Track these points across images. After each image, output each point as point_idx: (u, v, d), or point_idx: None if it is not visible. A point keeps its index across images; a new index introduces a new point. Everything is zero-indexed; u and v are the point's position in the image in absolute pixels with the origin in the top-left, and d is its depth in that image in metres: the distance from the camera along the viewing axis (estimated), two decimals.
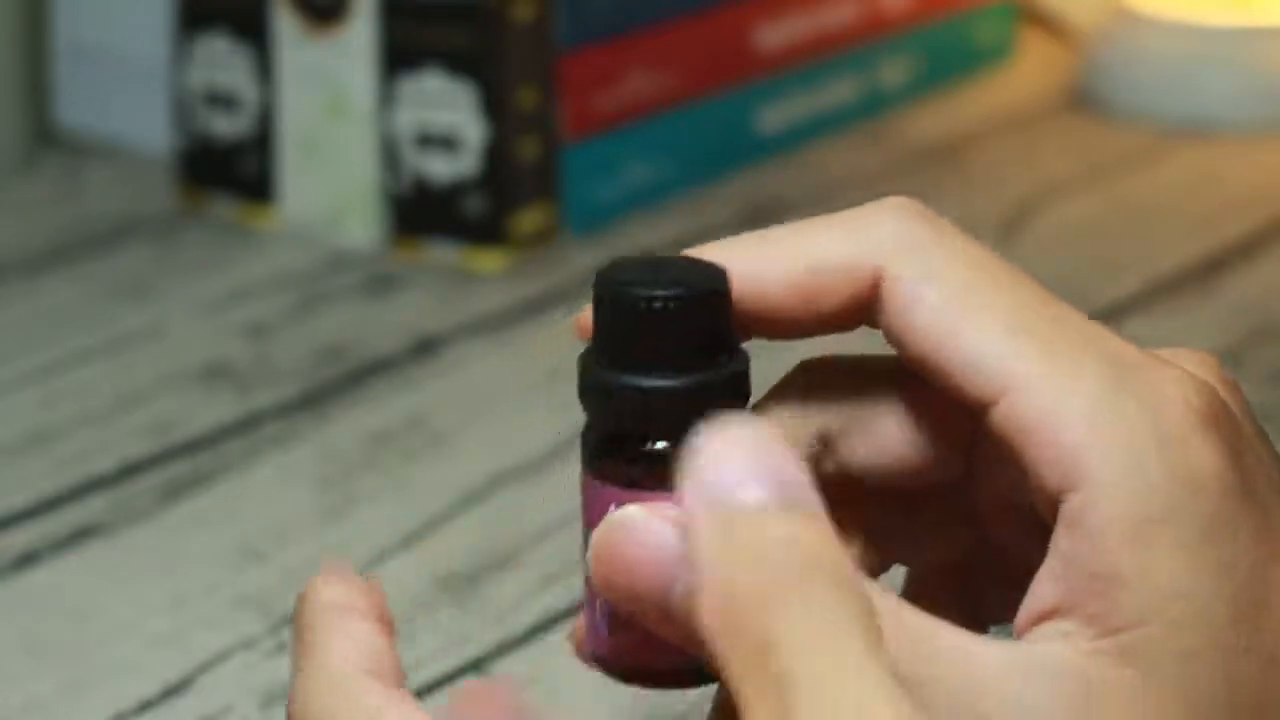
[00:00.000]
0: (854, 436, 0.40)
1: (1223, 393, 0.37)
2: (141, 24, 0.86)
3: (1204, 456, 0.36)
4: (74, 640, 0.55)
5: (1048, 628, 0.36)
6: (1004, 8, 1.01)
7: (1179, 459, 0.36)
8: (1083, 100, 0.96)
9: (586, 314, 0.38)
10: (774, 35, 0.88)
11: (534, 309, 0.76)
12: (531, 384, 0.70)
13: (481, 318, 0.76)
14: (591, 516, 0.37)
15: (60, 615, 0.57)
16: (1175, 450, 0.36)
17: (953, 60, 0.98)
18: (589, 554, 0.36)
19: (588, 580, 0.37)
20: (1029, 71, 1.01)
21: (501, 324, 0.75)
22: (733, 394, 0.38)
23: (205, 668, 0.53)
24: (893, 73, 0.94)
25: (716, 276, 0.38)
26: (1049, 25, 1.04)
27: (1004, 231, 0.83)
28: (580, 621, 0.40)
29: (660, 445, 0.37)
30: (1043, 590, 0.36)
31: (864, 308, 0.38)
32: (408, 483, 0.64)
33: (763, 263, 0.39)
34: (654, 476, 0.37)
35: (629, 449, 0.38)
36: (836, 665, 0.30)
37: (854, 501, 0.40)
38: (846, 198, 0.77)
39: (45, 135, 0.93)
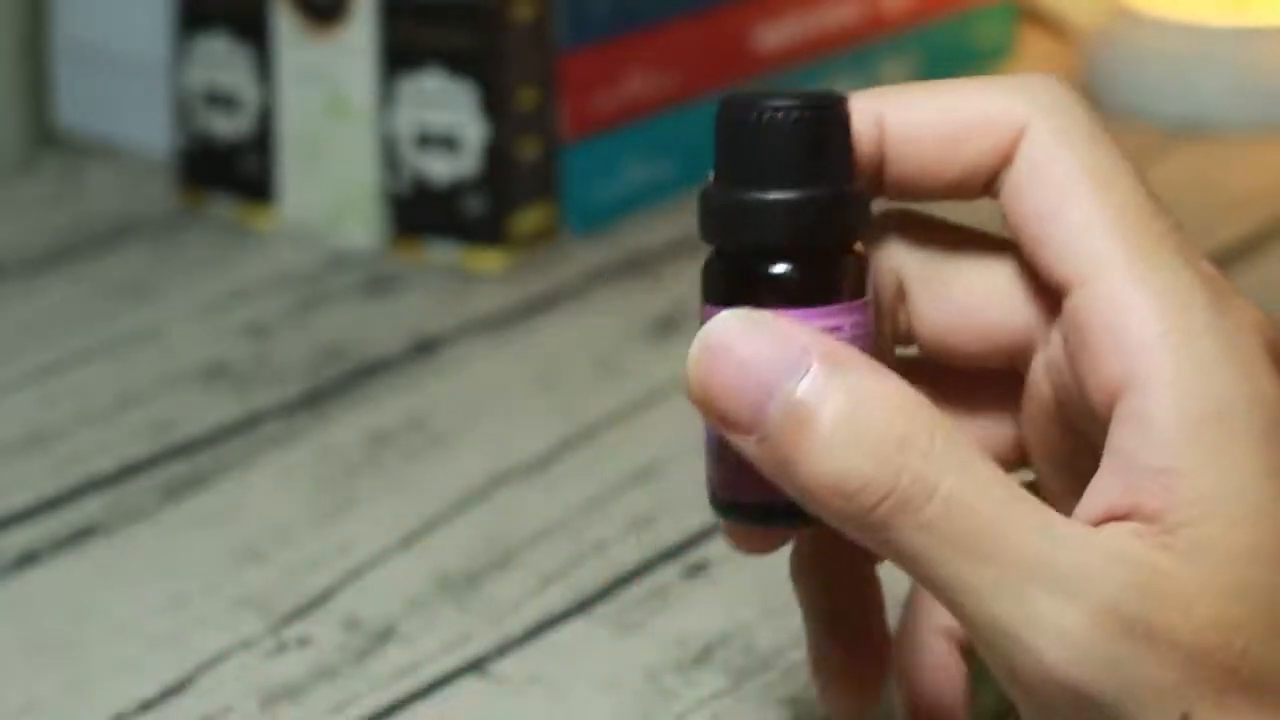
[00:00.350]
0: (933, 290, 0.41)
1: None
2: (141, 24, 0.86)
3: (1267, 376, 0.37)
4: (74, 640, 0.55)
5: (1111, 529, 0.37)
6: (1004, 7, 1.01)
7: (1244, 372, 0.37)
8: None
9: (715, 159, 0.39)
10: (773, 35, 0.89)
11: (534, 309, 0.76)
12: (531, 384, 0.71)
13: (482, 318, 0.76)
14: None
15: (60, 615, 0.57)
16: (1241, 365, 0.37)
17: (953, 60, 0.98)
18: (688, 374, 0.37)
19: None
20: (1028, 71, 1.03)
21: (502, 324, 0.75)
22: (853, 219, 0.39)
23: (205, 668, 0.53)
24: (893, 73, 0.94)
25: (836, 99, 0.38)
26: (1049, 25, 1.05)
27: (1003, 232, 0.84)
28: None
29: (776, 270, 0.38)
30: (1104, 486, 0.37)
31: (998, 167, 0.39)
32: (408, 483, 0.64)
33: (911, 105, 0.40)
34: (766, 301, 0.37)
35: (743, 271, 0.38)
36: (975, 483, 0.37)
37: (917, 373, 0.41)
38: None
39: (45, 135, 0.93)
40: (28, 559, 0.59)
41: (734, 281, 0.38)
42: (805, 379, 0.36)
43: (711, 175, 0.38)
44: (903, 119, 0.39)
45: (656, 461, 0.65)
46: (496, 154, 0.78)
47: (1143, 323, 0.37)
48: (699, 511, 0.56)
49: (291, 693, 0.52)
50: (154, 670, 0.53)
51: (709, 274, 0.39)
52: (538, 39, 0.79)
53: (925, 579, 0.37)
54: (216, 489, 0.64)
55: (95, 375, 0.71)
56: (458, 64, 0.77)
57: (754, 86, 0.87)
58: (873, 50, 0.93)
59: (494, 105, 0.77)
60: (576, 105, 0.81)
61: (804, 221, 0.38)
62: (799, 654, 0.52)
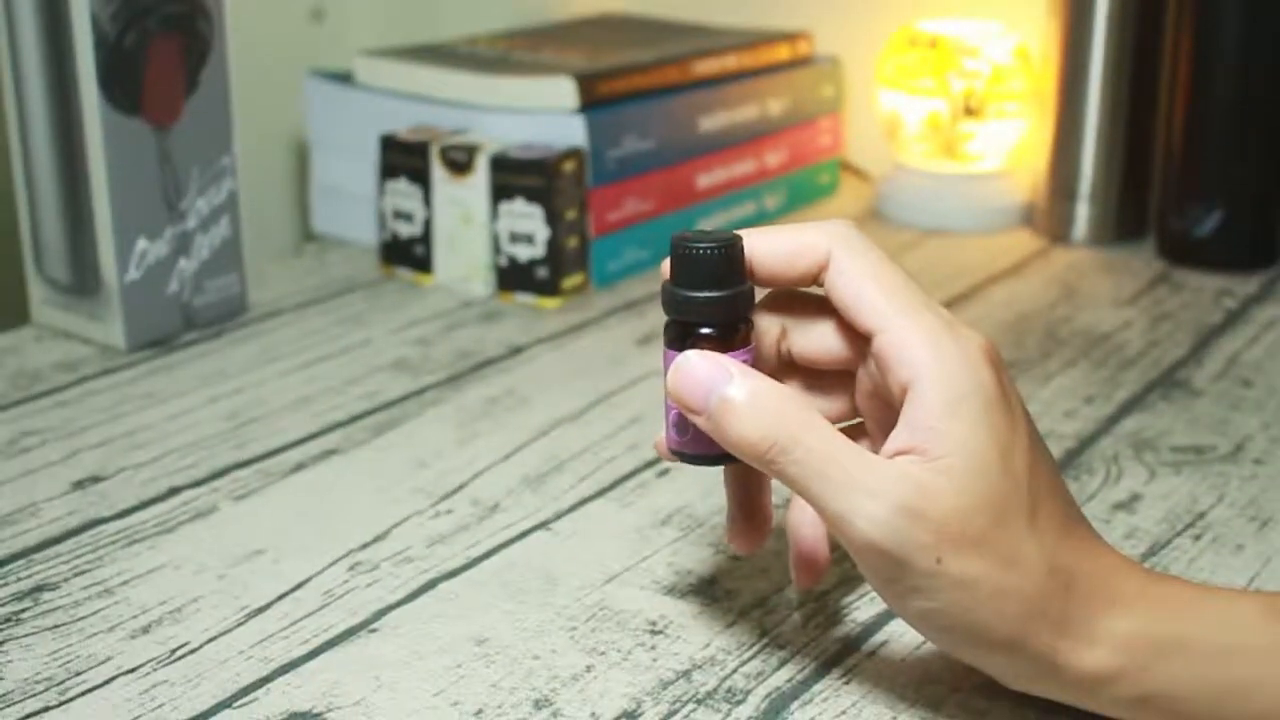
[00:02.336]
0: (799, 332, 0.45)
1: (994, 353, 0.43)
2: (360, 173, 0.87)
3: (986, 373, 0.41)
4: (322, 513, 0.57)
5: (900, 459, 0.41)
6: (833, 162, 1.01)
7: (972, 372, 0.41)
8: (876, 215, 0.97)
9: (665, 264, 0.44)
10: (707, 179, 0.90)
11: (574, 330, 0.77)
12: (573, 372, 0.71)
13: (546, 335, 0.76)
14: (667, 369, 0.43)
15: (317, 499, 0.59)
16: (971, 367, 0.41)
17: (804, 193, 0.99)
18: (667, 383, 0.43)
19: (667, 403, 0.44)
20: (846, 199, 1.01)
21: (557, 338, 0.76)
22: (745, 304, 0.44)
23: (395, 526, 0.56)
24: (771, 200, 0.96)
25: (735, 239, 0.43)
26: (858, 173, 1.05)
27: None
28: (661, 436, 0.45)
29: (705, 330, 0.43)
30: (897, 436, 0.41)
31: (818, 273, 0.43)
32: (505, 426, 0.65)
33: (770, 240, 0.44)
34: (702, 347, 0.43)
35: (688, 331, 0.43)
36: (813, 433, 0.41)
37: (796, 373, 0.47)
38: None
39: (306, 234, 0.96)
40: (298, 468, 0.61)
41: (683, 336, 0.43)
42: (729, 384, 0.42)
43: (667, 276, 0.44)
44: (762, 249, 0.44)
45: (641, 414, 0.66)
46: (554, 245, 0.79)
47: (914, 350, 0.41)
48: None
49: (443, 539, 0.55)
50: (366, 528, 0.56)
51: (668, 332, 0.44)
52: (577, 182, 0.80)
53: (798, 491, 0.41)
54: (402, 429, 0.65)
55: (335, 366, 0.72)
56: (532, 196, 0.78)
57: (693, 224, 0.88)
58: (761, 187, 0.95)
59: (552, 218, 0.79)
60: (598, 218, 0.82)
61: (719, 308, 0.43)
62: (720, 518, 0.56)
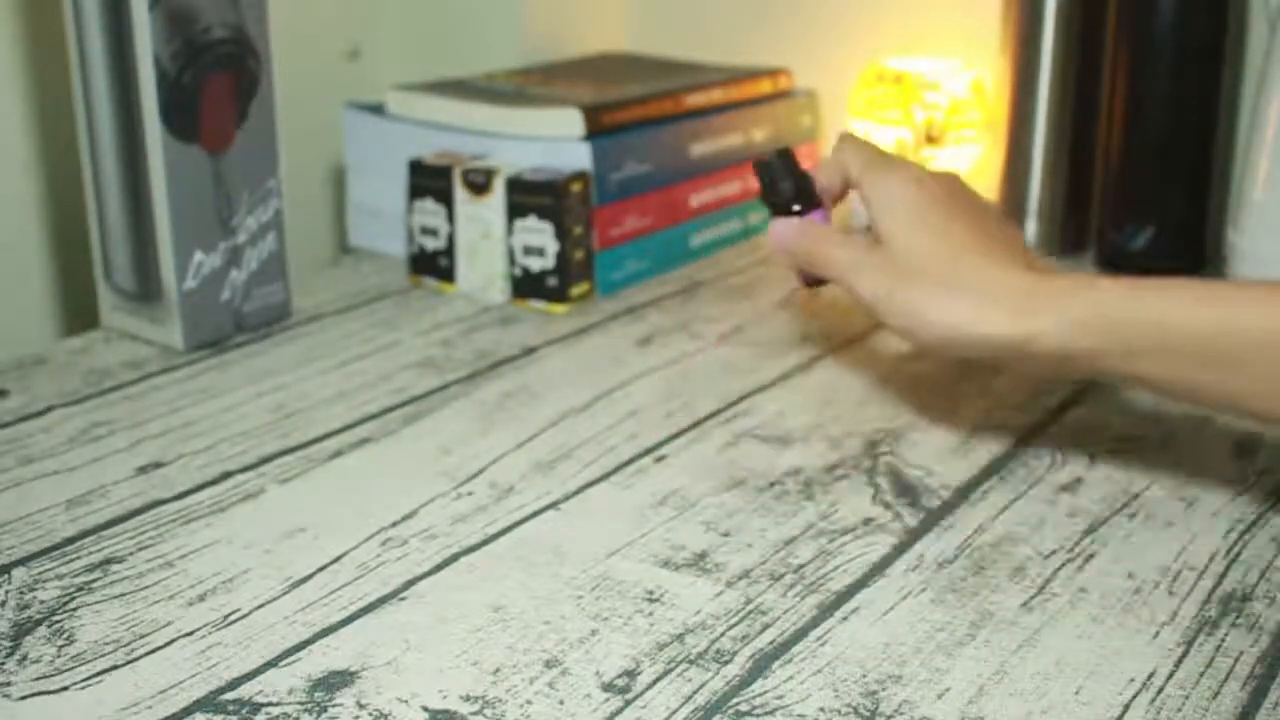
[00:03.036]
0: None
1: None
2: (391, 194, 0.87)
3: (911, 192, 0.54)
4: (357, 494, 0.57)
5: (866, 248, 0.55)
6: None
7: (903, 193, 0.54)
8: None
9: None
10: (698, 199, 0.90)
11: (581, 333, 0.77)
12: (580, 370, 0.71)
13: (556, 337, 0.76)
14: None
15: (352, 482, 0.59)
16: (904, 192, 0.54)
17: None
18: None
19: None
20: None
21: (565, 340, 0.76)
22: (809, 194, 0.59)
23: (421, 506, 0.56)
24: (756, 217, 0.95)
25: (786, 148, 0.60)
26: None
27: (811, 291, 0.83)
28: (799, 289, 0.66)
29: (795, 207, 0.59)
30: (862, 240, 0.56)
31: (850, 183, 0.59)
32: (519, 418, 0.65)
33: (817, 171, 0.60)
34: (794, 215, 0.59)
35: (782, 210, 0.60)
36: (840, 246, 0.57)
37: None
38: (735, 280, 0.89)
39: (344, 248, 0.95)
40: (336, 454, 0.61)
41: (778, 211, 0.59)
42: (789, 228, 0.59)
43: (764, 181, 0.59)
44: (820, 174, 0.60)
45: (640, 408, 0.66)
46: (562, 257, 0.79)
47: (875, 197, 0.56)
48: (661, 431, 0.64)
49: (464, 518, 0.55)
50: (395, 509, 0.56)
51: (772, 208, 0.60)
52: (583, 201, 0.80)
53: (832, 277, 0.56)
54: (428, 420, 0.65)
55: (369, 365, 0.71)
56: (544, 214, 0.79)
57: (687, 238, 0.89)
58: (746, 206, 0.94)
59: (561, 234, 0.79)
60: (601, 234, 0.82)
61: (797, 189, 0.59)
62: (713, 499, 0.57)
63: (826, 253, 0.56)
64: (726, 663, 0.46)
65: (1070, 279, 0.50)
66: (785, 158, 0.59)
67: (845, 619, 0.48)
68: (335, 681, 0.44)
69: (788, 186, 0.59)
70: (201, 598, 0.50)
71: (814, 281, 0.60)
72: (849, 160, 0.58)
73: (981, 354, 0.51)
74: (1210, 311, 0.45)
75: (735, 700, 0.44)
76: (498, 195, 0.80)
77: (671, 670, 0.45)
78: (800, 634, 0.47)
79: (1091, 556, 0.53)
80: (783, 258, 0.59)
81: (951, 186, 0.55)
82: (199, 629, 0.47)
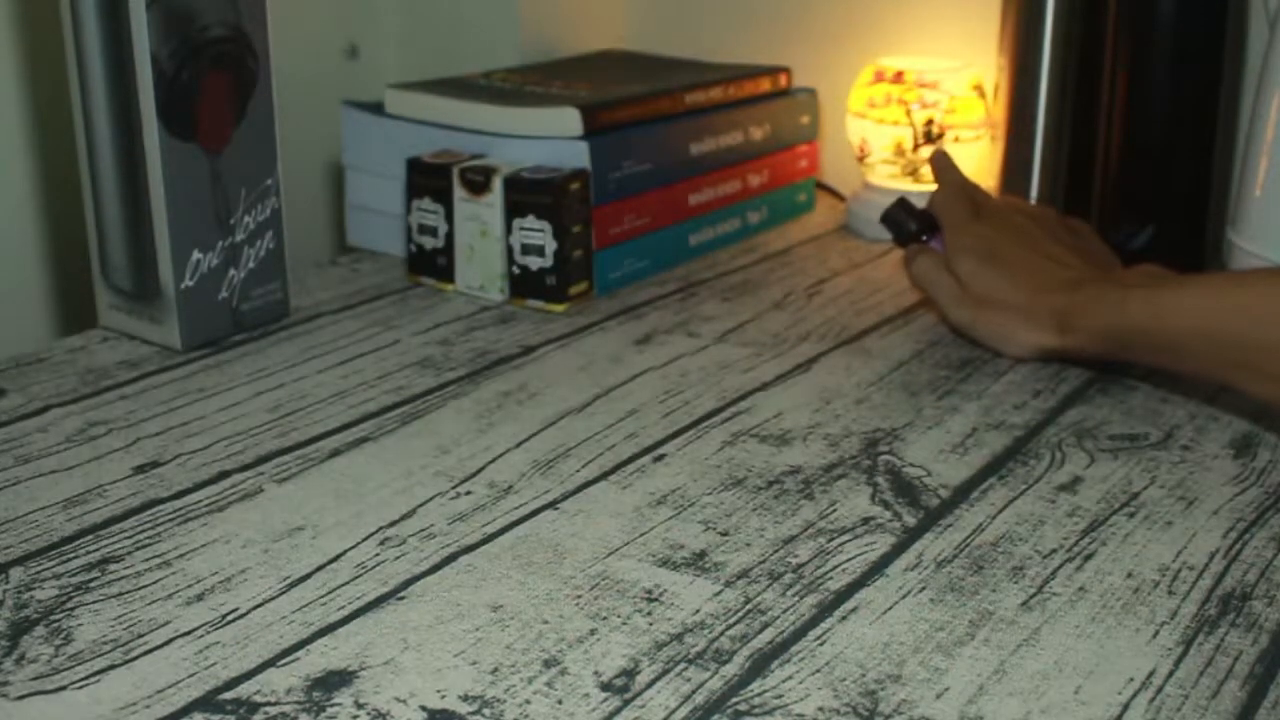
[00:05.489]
0: None
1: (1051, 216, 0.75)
2: (389, 192, 0.87)
3: (975, 231, 0.71)
4: (355, 493, 0.57)
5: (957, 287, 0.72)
6: (809, 182, 1.01)
7: (991, 236, 0.70)
8: (846, 230, 0.97)
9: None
10: (698, 197, 0.90)
11: (580, 332, 0.77)
12: (578, 369, 0.71)
13: (555, 336, 0.76)
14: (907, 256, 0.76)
15: (351, 481, 0.58)
16: (970, 238, 0.71)
17: (784, 209, 0.99)
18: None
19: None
20: (821, 215, 1.01)
21: (564, 339, 0.76)
22: (931, 224, 0.76)
23: (419, 506, 0.56)
24: (754, 216, 0.96)
25: (908, 200, 0.78)
26: (831, 192, 1.05)
27: (808, 293, 0.84)
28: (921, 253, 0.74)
29: (924, 237, 0.76)
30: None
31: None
32: (518, 417, 0.65)
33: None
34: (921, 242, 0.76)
35: (910, 241, 0.77)
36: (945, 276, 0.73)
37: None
38: (734, 279, 0.82)
39: (342, 247, 0.96)
40: (334, 454, 0.61)
41: (906, 241, 0.77)
42: (920, 257, 0.74)
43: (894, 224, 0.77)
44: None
45: (639, 407, 0.66)
46: (561, 256, 0.79)
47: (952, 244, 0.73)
48: (660, 431, 0.64)
49: (463, 517, 0.55)
50: (394, 508, 0.56)
51: (903, 243, 0.77)
52: (582, 199, 0.80)
53: (937, 302, 0.72)
54: (426, 418, 0.65)
55: (367, 364, 0.72)
56: (542, 212, 0.79)
57: (685, 237, 0.89)
58: (744, 205, 0.95)
59: (559, 233, 0.79)
60: (600, 233, 0.82)
61: (920, 225, 0.76)
62: (712, 499, 0.57)
63: (936, 280, 0.72)
64: (725, 662, 0.45)
65: (1097, 292, 0.63)
66: (904, 203, 0.77)
67: (844, 618, 0.48)
68: (333, 681, 0.44)
69: (913, 226, 0.77)
70: (199, 597, 0.49)
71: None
72: (939, 212, 0.73)
73: (1048, 358, 0.69)
74: (1215, 303, 0.56)
75: (734, 700, 0.43)
76: (496, 194, 0.80)
77: (670, 670, 0.45)
78: (799, 633, 0.47)
79: (1091, 556, 0.53)
80: (912, 280, 0.75)
81: (1021, 224, 0.70)
82: (197, 628, 0.47)
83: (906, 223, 0.76)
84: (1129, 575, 0.51)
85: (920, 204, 0.77)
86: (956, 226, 0.71)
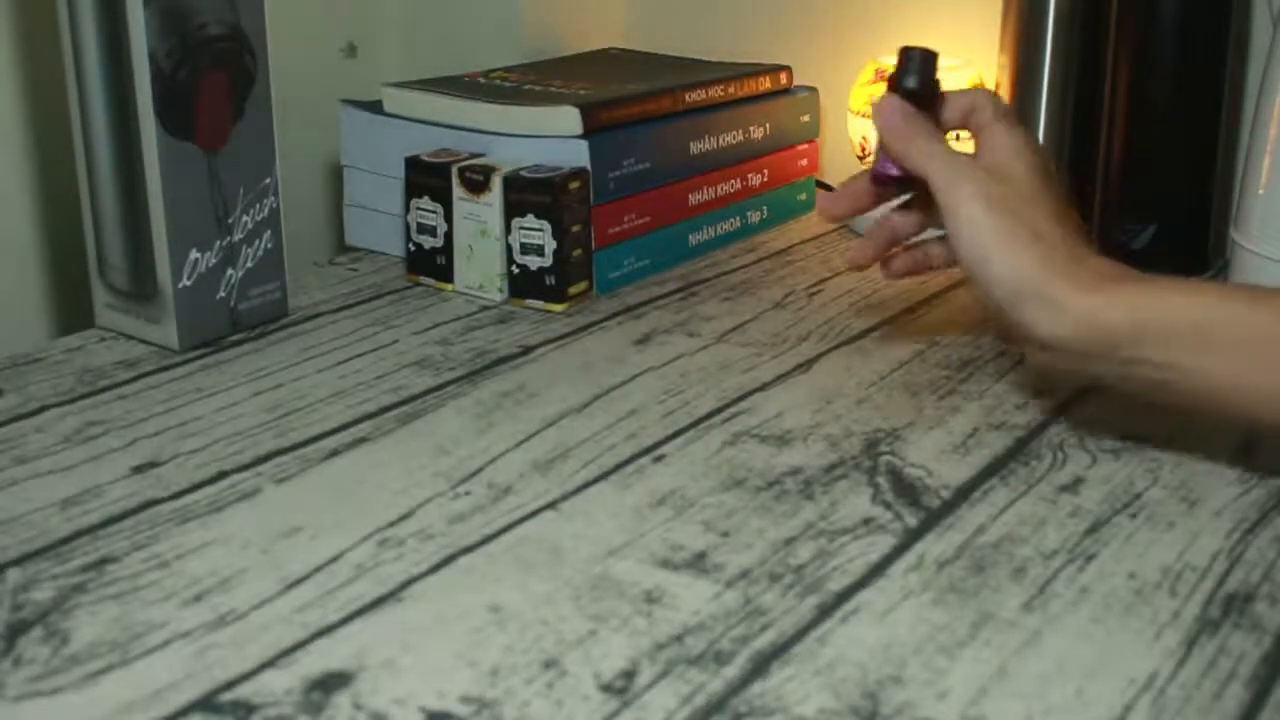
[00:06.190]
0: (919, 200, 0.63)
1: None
2: (388, 192, 0.88)
3: (1023, 160, 0.56)
4: (353, 495, 0.57)
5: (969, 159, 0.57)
6: (809, 181, 1.01)
7: (1016, 157, 0.56)
8: (847, 230, 0.96)
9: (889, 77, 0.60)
10: (698, 196, 0.91)
11: (579, 332, 0.77)
12: (577, 369, 0.72)
13: (554, 336, 0.77)
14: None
15: (349, 482, 0.59)
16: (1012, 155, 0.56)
17: (784, 209, 0.99)
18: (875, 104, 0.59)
19: (878, 149, 0.59)
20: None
21: (563, 339, 0.76)
22: (934, 87, 0.59)
23: (418, 507, 0.56)
24: (755, 215, 0.96)
25: (932, 53, 0.59)
26: (831, 191, 0.99)
27: (809, 293, 0.84)
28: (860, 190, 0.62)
29: (909, 85, 0.59)
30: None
31: (971, 115, 0.59)
32: (517, 417, 0.66)
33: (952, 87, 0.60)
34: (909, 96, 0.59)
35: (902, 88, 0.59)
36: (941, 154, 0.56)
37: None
38: (734, 278, 0.88)
39: (341, 246, 0.95)
40: (332, 454, 0.61)
41: (905, 97, 0.59)
42: (900, 107, 0.58)
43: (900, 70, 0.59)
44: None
45: (639, 407, 0.66)
46: (560, 256, 0.80)
47: (1002, 136, 0.57)
48: (660, 431, 0.64)
49: (462, 518, 0.55)
50: (392, 508, 0.56)
51: (901, 93, 0.59)
52: (581, 199, 0.80)
53: (924, 172, 0.56)
54: (425, 419, 0.65)
55: (366, 364, 0.72)
56: (542, 212, 0.79)
57: (685, 237, 0.89)
58: (745, 204, 0.95)
59: (559, 232, 0.79)
60: (599, 232, 0.82)
61: (923, 85, 0.59)
62: (712, 499, 0.57)
63: (927, 145, 0.56)
64: (725, 664, 0.45)
65: (1130, 273, 0.54)
66: (930, 58, 0.59)
67: (845, 619, 0.48)
68: (332, 682, 0.44)
69: (914, 81, 0.59)
70: (197, 598, 0.49)
71: (884, 179, 0.61)
72: (982, 102, 0.58)
73: (1041, 331, 0.55)
74: (1194, 301, 0.50)
75: (734, 701, 0.43)
76: (495, 193, 0.80)
77: (670, 671, 0.45)
78: (799, 635, 0.47)
79: (1093, 557, 0.52)
80: (884, 133, 0.58)
81: (1035, 178, 0.57)
82: (195, 629, 0.47)
83: (910, 74, 0.59)
84: (1131, 576, 0.51)
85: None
86: (1007, 120, 0.58)
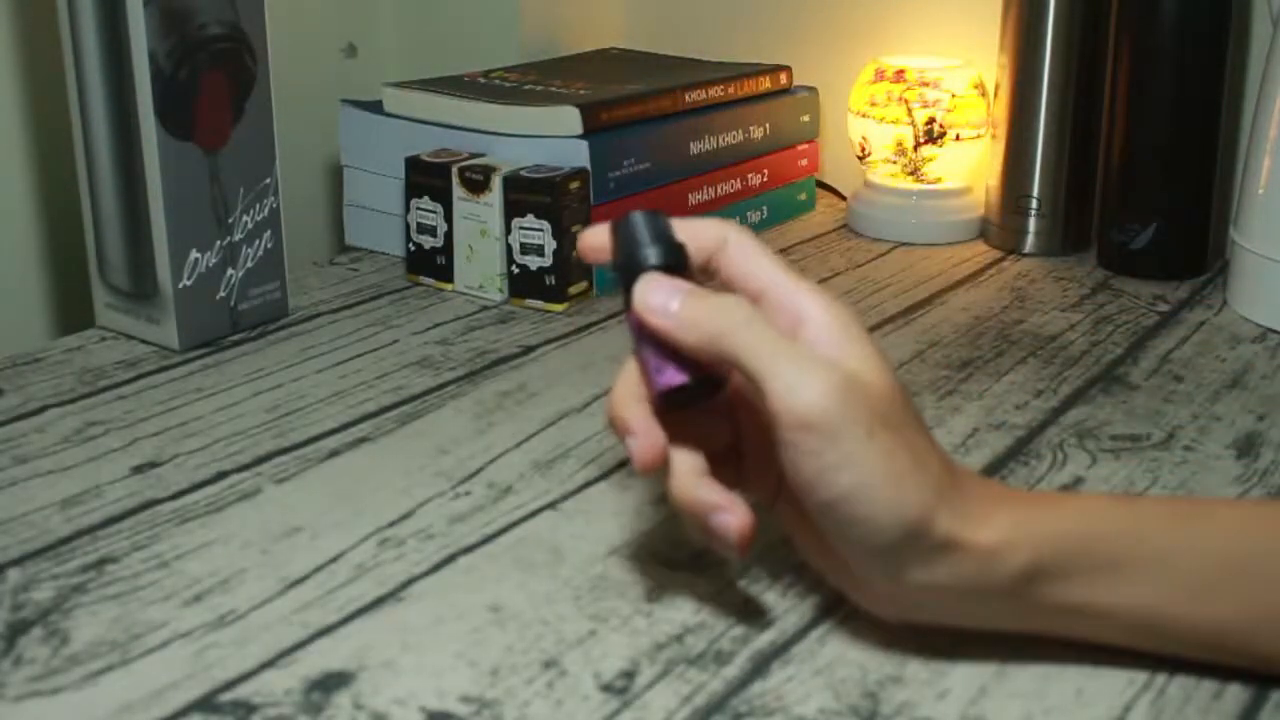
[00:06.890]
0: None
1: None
2: (388, 192, 0.88)
3: (867, 345, 0.41)
4: (354, 494, 0.57)
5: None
6: (809, 181, 1.01)
7: (849, 310, 0.41)
8: (847, 229, 0.97)
9: (604, 241, 0.44)
10: (697, 197, 0.90)
11: (579, 331, 0.77)
12: (578, 369, 0.72)
13: (554, 336, 0.77)
14: (634, 328, 0.43)
15: (349, 482, 0.59)
16: (846, 307, 0.41)
17: (784, 209, 0.99)
18: (636, 298, 0.42)
19: (644, 356, 0.42)
20: (821, 214, 1.02)
21: (563, 339, 0.76)
22: (680, 256, 0.43)
23: (419, 506, 0.56)
24: (754, 215, 0.97)
25: (658, 213, 0.44)
26: (832, 191, 1.05)
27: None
28: (640, 447, 0.43)
29: (655, 265, 0.42)
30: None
31: (714, 250, 0.43)
32: (517, 417, 0.66)
33: (681, 222, 0.44)
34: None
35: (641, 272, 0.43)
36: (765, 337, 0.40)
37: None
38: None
39: (341, 246, 0.95)
40: (332, 454, 0.61)
41: (632, 279, 0.43)
42: (684, 291, 0.41)
43: (609, 255, 0.44)
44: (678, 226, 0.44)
45: None
46: (560, 256, 0.79)
47: (803, 295, 0.41)
48: None
49: (462, 518, 0.55)
50: (393, 508, 0.56)
51: (628, 290, 0.43)
52: (581, 199, 0.80)
53: (748, 369, 0.40)
54: (425, 419, 0.65)
55: (366, 364, 0.72)
56: (541, 212, 0.79)
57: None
58: (745, 204, 0.95)
59: (559, 232, 0.79)
60: None
61: (668, 253, 0.43)
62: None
63: (769, 340, 0.40)
64: (725, 663, 0.45)
65: (1007, 492, 0.44)
66: (661, 220, 0.44)
67: (845, 619, 0.48)
68: (332, 682, 0.44)
69: (659, 253, 0.43)
70: (197, 598, 0.49)
71: (673, 394, 0.43)
72: (757, 258, 0.43)
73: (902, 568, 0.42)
74: (1076, 524, 0.42)
75: (734, 701, 0.43)
76: (495, 193, 0.80)
77: (670, 671, 0.45)
78: (800, 634, 0.47)
79: None
80: (672, 326, 0.42)
81: None
82: (195, 629, 0.47)
83: (648, 245, 0.44)
84: None
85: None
86: (793, 284, 0.43)
